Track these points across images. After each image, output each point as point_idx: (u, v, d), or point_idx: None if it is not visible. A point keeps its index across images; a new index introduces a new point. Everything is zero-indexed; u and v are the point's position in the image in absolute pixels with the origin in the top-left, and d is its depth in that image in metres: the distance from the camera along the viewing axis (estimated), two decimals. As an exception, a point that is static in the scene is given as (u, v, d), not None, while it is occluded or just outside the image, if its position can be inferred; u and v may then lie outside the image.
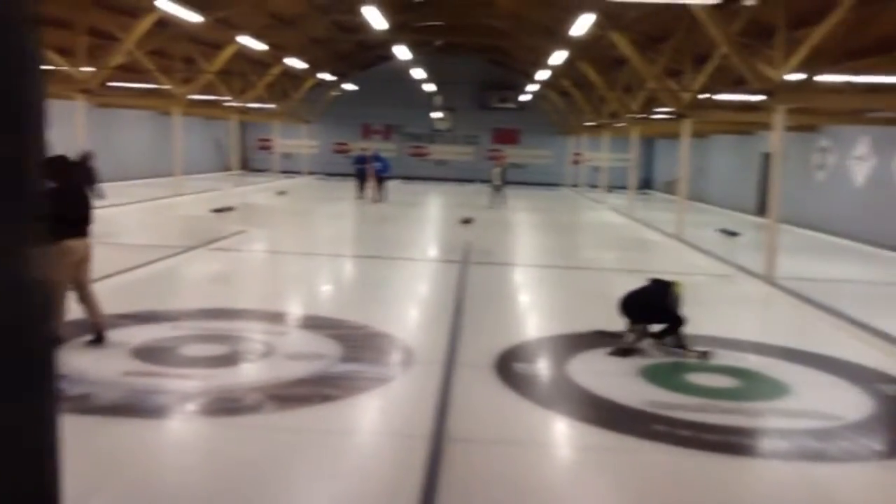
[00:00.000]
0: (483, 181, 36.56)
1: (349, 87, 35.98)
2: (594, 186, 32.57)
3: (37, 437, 1.37)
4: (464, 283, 10.90)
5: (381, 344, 7.39)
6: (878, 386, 6.63)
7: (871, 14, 11.38)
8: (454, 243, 15.45)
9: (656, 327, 7.41)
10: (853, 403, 6.15)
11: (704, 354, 7.23)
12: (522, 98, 36.50)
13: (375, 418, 5.71)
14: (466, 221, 18.84)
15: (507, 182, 25.36)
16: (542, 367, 7.01)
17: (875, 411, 6.02)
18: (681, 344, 7.30)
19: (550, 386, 6.48)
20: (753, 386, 6.58)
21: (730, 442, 5.33)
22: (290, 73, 28.84)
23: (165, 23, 17.80)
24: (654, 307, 7.41)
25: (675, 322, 7.28)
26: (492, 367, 6.70)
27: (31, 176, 1.30)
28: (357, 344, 7.25)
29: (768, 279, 11.71)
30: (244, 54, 23.45)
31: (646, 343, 7.39)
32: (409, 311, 9.64)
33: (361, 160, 25.46)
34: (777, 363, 7.25)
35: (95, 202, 13.59)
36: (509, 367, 6.75)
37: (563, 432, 5.59)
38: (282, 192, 26.79)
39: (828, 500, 4.56)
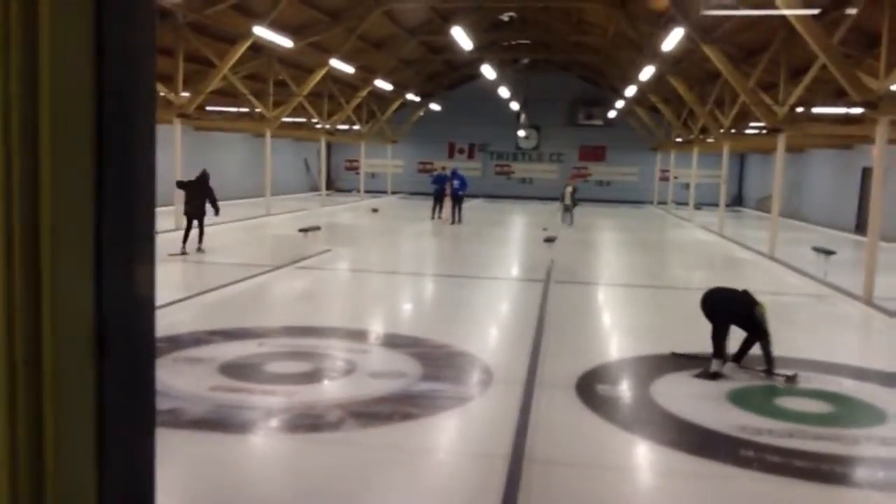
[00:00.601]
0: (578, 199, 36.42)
1: (435, 106, 36.38)
2: (682, 204, 31.87)
3: (136, 450, 1.43)
4: (546, 302, 10.82)
5: (461, 363, 7.40)
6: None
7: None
8: (537, 262, 15.36)
9: (737, 343, 7.22)
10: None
11: (792, 378, 6.96)
12: (610, 114, 36.14)
13: (454, 437, 5.71)
14: (550, 240, 18.71)
15: (577, 202, 24.90)
16: (625, 389, 6.88)
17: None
18: (768, 367, 7.04)
19: (633, 408, 6.35)
20: (848, 411, 6.29)
21: (821, 469, 5.11)
22: (377, 94, 29.40)
23: (259, 48, 18.43)
24: (737, 313, 7.20)
25: (761, 335, 7.05)
26: (573, 388, 6.62)
27: (142, 197, 1.36)
28: (437, 363, 7.28)
29: (867, 300, 11.19)
30: (333, 76, 24.04)
31: (729, 367, 7.16)
32: (490, 330, 9.63)
33: (440, 179, 24.39)
34: (874, 388, 6.92)
35: (213, 216, 14.39)
36: (591, 389, 6.65)
37: (645, 456, 5.46)
38: (375, 210, 27.51)
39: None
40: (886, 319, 10.24)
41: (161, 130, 20.56)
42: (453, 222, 22.85)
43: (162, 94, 18.59)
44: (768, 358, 7.05)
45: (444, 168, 27.28)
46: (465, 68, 30.02)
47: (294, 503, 4.45)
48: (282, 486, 4.68)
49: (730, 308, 7.26)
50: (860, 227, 21.93)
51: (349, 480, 4.70)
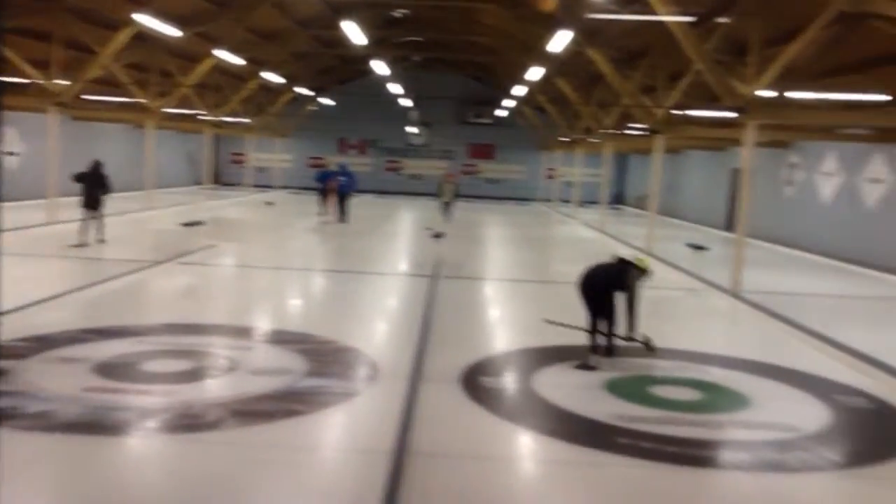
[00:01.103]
0: (457, 195, 36.75)
1: (326, 101, 35.99)
2: (567, 201, 32.77)
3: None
4: (433, 297, 10.91)
5: (347, 359, 7.38)
6: (836, 397, 6.72)
7: (844, 33, 11.59)
8: (425, 257, 15.47)
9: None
10: (812, 415, 6.23)
11: (648, 344, 7.41)
12: (499, 113, 36.71)
13: (339, 434, 5.69)
14: (438, 236, 18.87)
15: (458, 198, 24.82)
16: (509, 381, 7.03)
17: (833, 422, 6.10)
18: (630, 330, 7.38)
19: (516, 400, 6.50)
20: (716, 398, 6.64)
21: (692, 454, 5.38)
22: (266, 87, 28.83)
23: (143, 36, 17.73)
24: (615, 285, 7.37)
25: (631, 297, 7.33)
26: (458, 382, 6.70)
27: None
28: (323, 359, 7.22)
29: (735, 293, 11.83)
30: (221, 68, 23.41)
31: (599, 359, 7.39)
32: (377, 325, 9.63)
33: (325, 176, 22.74)
34: (740, 376, 7.33)
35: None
36: (476, 382, 6.75)
37: (528, 446, 5.60)
38: (269, 203, 27.07)
39: (786, 511, 4.61)
40: (752, 311, 10.85)
41: (36, 120, 19.64)
42: (340, 220, 21.69)
43: (36, 80, 17.62)
44: (631, 321, 7.35)
45: (331, 165, 26.67)
46: (357, 64, 29.80)
47: (171, 504, 4.33)
48: (160, 490, 4.55)
49: (609, 281, 7.42)
50: (729, 224, 23.15)
51: (230, 480, 4.61)
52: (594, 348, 7.38)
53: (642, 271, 7.48)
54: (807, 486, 4.99)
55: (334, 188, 22.02)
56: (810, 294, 13.09)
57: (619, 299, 7.39)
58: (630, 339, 7.45)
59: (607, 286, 7.38)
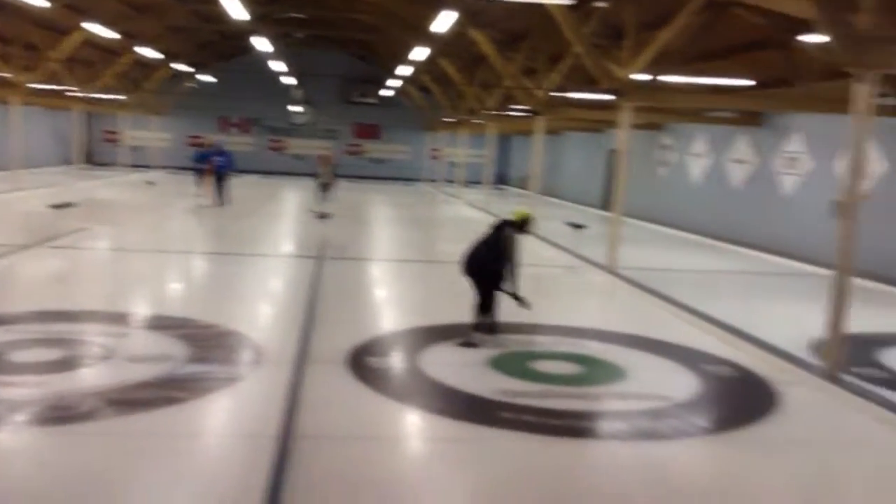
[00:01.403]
0: (342, 175, 36.41)
1: (206, 78, 34.78)
2: (452, 182, 33.06)
3: None
4: (318, 278, 10.81)
5: (229, 343, 7.23)
6: (704, 366, 7.12)
7: (712, 20, 12.13)
8: (310, 238, 15.30)
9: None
10: (683, 384, 6.57)
11: (522, 301, 7.56)
12: (384, 93, 36.53)
13: (222, 420, 5.59)
14: (323, 216, 18.68)
15: (336, 178, 21.47)
16: (395, 361, 7.07)
17: (701, 390, 6.47)
18: (512, 289, 7.49)
19: (402, 379, 6.55)
20: (594, 371, 6.91)
21: (572, 426, 5.59)
22: (141, 63, 27.59)
23: (3, 6, 16.61)
24: (497, 255, 7.42)
25: (510, 261, 7.41)
26: (344, 363, 6.69)
27: None
28: (205, 344, 7.05)
29: (611, 269, 12.29)
30: (92, 42, 22.21)
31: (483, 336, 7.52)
32: (261, 308, 9.48)
33: (203, 156, 21.44)
34: (616, 349, 7.65)
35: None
36: (362, 362, 6.76)
37: (414, 425, 5.67)
38: (150, 183, 25.94)
39: (661, 475, 4.85)
40: (627, 286, 11.30)
41: None
42: (219, 203, 20.37)
43: None
44: (513, 279, 7.46)
45: (206, 144, 25.58)
46: (238, 40, 28.88)
47: (47, 501, 4.14)
48: (30, 485, 4.34)
49: (486, 256, 7.47)
50: (607, 203, 23.96)
51: (106, 472, 4.45)
52: (478, 326, 7.51)
53: (523, 223, 7.55)
54: (678, 453, 5.27)
55: (211, 169, 20.73)
56: (681, 269, 13.76)
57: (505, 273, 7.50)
58: (514, 296, 7.52)
59: (488, 260, 7.44)
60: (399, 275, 12.40)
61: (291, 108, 38.11)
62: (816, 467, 5.17)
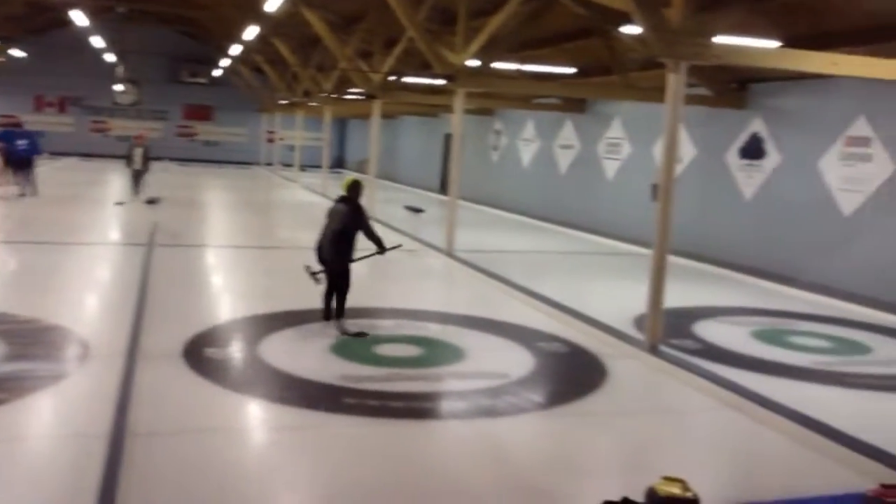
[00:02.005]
0: (173, 158, 34.89)
1: (17, 52, 32.06)
2: (289, 165, 32.49)
3: None
4: (149, 267, 10.35)
5: (53, 338, 6.81)
6: (538, 344, 7.47)
7: (539, 9, 12.56)
8: (138, 225, 14.58)
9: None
10: (519, 362, 6.86)
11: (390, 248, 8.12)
12: (215, 73, 35.20)
13: (48, 420, 5.27)
14: (152, 201, 17.85)
15: (150, 161, 18.86)
16: (234, 351, 6.92)
17: (536, 367, 6.78)
18: (383, 245, 8.04)
19: (242, 369, 6.43)
20: (435, 353, 7.07)
21: (415, 407, 5.70)
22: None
23: None
24: (344, 231, 7.59)
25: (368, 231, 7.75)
26: (180, 355, 6.49)
27: None
28: (25, 340, 6.61)
29: (449, 252, 12.57)
30: None
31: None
32: (87, 299, 8.97)
33: (3, 138, 18.54)
34: (455, 330, 7.86)
35: None
36: (200, 354, 6.57)
37: (255, 415, 5.58)
38: None
39: (500, 450, 5.05)
40: (464, 269, 11.60)
41: None
42: (25, 192, 17.88)
43: None
44: (376, 238, 7.89)
45: (24, 125, 23.36)
46: (52, 12, 26.85)
47: None
48: None
49: (333, 238, 7.59)
50: (444, 187, 24.40)
51: (-85, 483, 4.10)
52: (327, 314, 7.54)
53: (351, 189, 7.72)
54: (515, 428, 5.50)
55: (14, 154, 18.17)
56: (514, 251, 14.28)
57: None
58: (391, 247, 8.07)
59: (336, 241, 7.54)
60: (235, 261, 12.09)
61: (115, 87, 35.94)
62: (641, 434, 5.56)
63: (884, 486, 4.22)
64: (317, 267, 7.67)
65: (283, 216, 19.45)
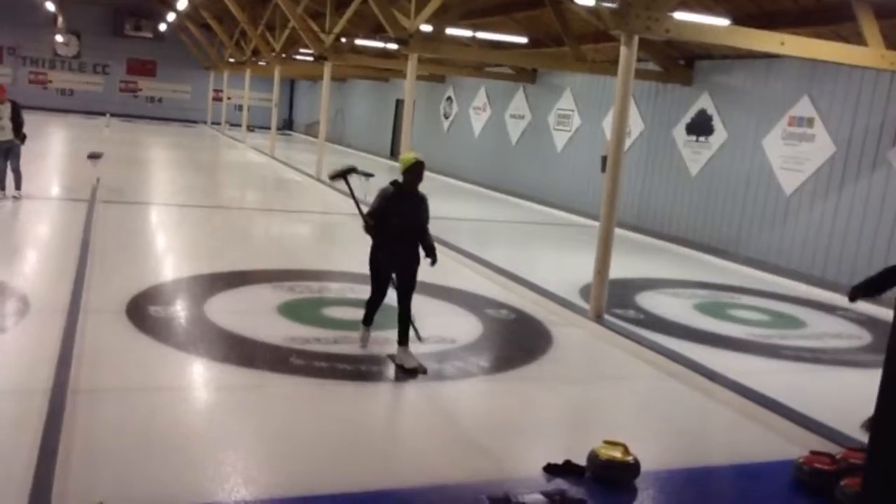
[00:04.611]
0: (114, 114, 33.95)
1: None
2: (236, 125, 31.90)
3: None
4: (91, 223, 10.10)
5: (-10, 293, 6.63)
6: (486, 311, 7.54)
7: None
8: (80, 180, 14.19)
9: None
10: (467, 328, 6.92)
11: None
12: (160, 27, 34.23)
13: (-15, 375, 5.15)
14: (94, 156, 17.36)
15: (20, 126, 11.74)
16: (179, 310, 6.83)
17: (484, 333, 6.86)
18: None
19: (187, 328, 6.35)
20: (383, 317, 7.05)
21: (362, 370, 5.71)
22: None
23: None
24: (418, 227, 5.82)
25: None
26: (124, 312, 6.38)
27: None
28: (-40, 294, 6.42)
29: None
30: None
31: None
32: (26, 255, 8.73)
33: None
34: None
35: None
36: (144, 311, 6.48)
37: (200, 374, 5.52)
38: None
39: (446, 413, 5.10)
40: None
41: None
42: None
43: None
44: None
45: None
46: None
47: None
48: None
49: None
50: (395, 153, 24.27)
51: None
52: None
53: (408, 173, 5.79)
54: (462, 392, 5.56)
55: None
56: (464, 219, 14.30)
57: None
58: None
59: (415, 237, 5.88)
60: (181, 220, 11.87)
61: (54, 37, 34.69)
62: (584, 400, 5.68)
63: (814, 453, 4.40)
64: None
65: (230, 176, 19.13)
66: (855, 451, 4.50)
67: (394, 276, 5.94)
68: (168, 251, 9.75)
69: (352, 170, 6.29)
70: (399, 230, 5.78)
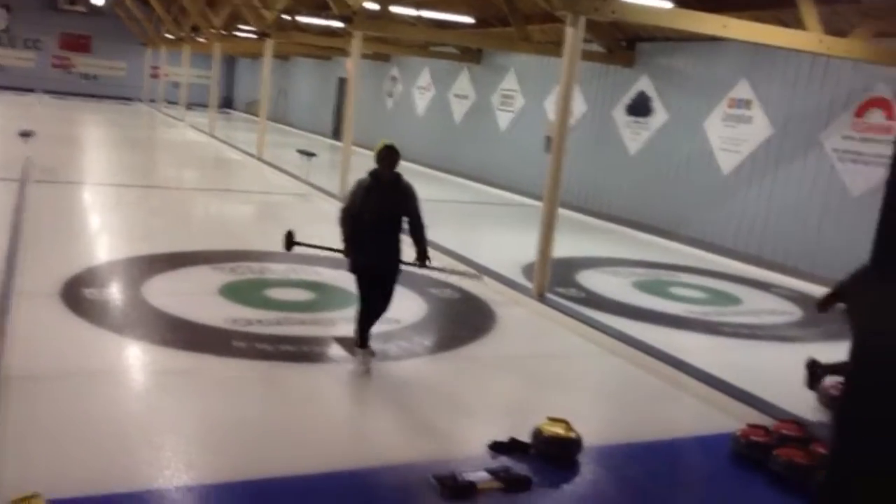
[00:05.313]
0: (47, 91, 32.85)
1: None
2: (174, 103, 31.16)
3: None
4: (22, 204, 9.77)
5: (-85, 276, 6.37)
6: (430, 291, 7.53)
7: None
8: (10, 159, 13.71)
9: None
10: (412, 308, 6.90)
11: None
12: (95, 1, 33.09)
13: (-90, 361, 4.95)
14: (26, 134, 16.78)
15: None
16: (116, 292, 6.67)
17: (428, 313, 6.85)
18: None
19: (125, 311, 6.20)
20: (326, 297, 7.03)
21: (306, 351, 5.67)
22: None
23: None
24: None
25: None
26: (58, 295, 6.21)
27: None
28: None
29: (341, 198, 12.42)
30: None
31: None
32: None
33: None
34: (346, 275, 7.77)
35: None
36: (79, 294, 6.30)
37: (138, 358, 5.41)
38: None
39: (391, 393, 5.09)
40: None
41: None
42: None
43: None
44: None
45: None
46: None
47: None
48: None
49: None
50: (337, 132, 24.04)
51: None
52: (365, 338, 5.45)
53: (379, 162, 5.46)
54: (407, 372, 5.56)
55: None
56: (408, 199, 14.25)
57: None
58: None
59: (396, 230, 5.55)
60: (117, 200, 11.57)
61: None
62: (527, 378, 5.73)
63: (750, 426, 4.52)
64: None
65: (169, 155, 18.70)
66: (787, 423, 4.65)
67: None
68: (104, 232, 9.49)
69: (291, 237, 5.68)
70: (375, 224, 5.27)
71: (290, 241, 5.66)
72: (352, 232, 5.30)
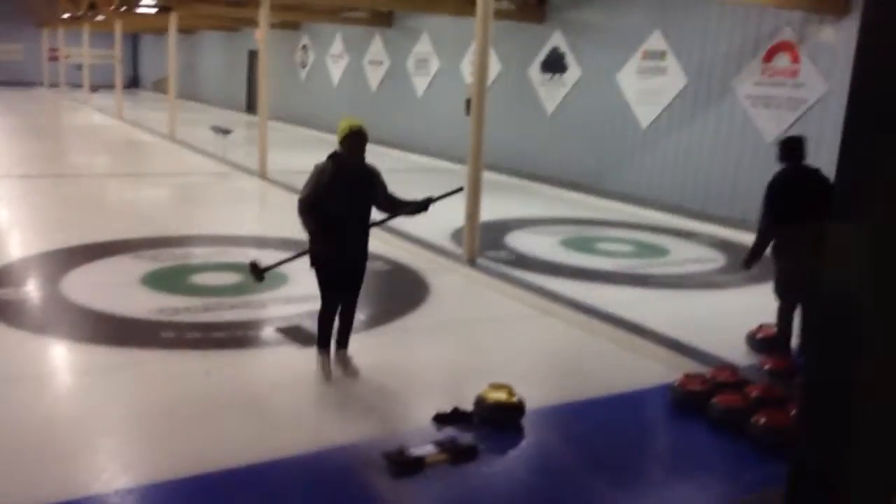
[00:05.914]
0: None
1: None
2: (77, 86, 29.84)
3: None
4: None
5: None
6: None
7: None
8: None
9: None
10: (343, 283, 6.79)
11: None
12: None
13: None
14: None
15: None
16: (32, 290, 6.37)
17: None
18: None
19: (43, 309, 5.93)
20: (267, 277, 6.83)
21: (238, 336, 5.53)
22: None
23: None
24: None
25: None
26: (-33, 298, 5.88)
27: None
28: None
29: (262, 174, 12.16)
30: None
31: None
32: None
33: None
34: (275, 254, 7.62)
35: None
36: (-10, 295, 5.99)
37: (63, 358, 5.19)
38: None
39: (332, 370, 5.01)
40: (278, 191, 11.28)
41: None
42: None
43: None
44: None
45: None
46: None
47: None
48: None
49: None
50: (251, 106, 23.45)
51: None
52: (327, 339, 5.02)
53: (343, 144, 4.90)
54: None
55: None
56: (330, 171, 14.03)
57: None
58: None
59: (366, 221, 5.09)
60: (24, 192, 11.03)
61: None
62: (465, 345, 5.72)
63: (687, 376, 4.62)
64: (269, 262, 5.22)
65: (76, 141, 17.92)
66: (722, 370, 4.77)
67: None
68: (12, 227, 9.04)
69: (257, 267, 5.09)
70: (345, 216, 4.75)
71: (257, 271, 5.06)
72: (316, 224, 4.66)
